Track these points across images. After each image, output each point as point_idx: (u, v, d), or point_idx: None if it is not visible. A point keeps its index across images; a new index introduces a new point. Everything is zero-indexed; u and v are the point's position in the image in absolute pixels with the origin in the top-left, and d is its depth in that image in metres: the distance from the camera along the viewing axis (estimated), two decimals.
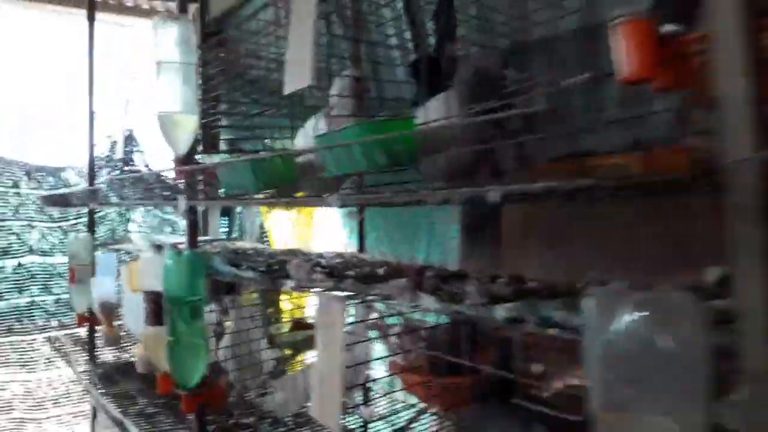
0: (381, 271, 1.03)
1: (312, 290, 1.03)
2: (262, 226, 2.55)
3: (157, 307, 1.38)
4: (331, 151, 0.81)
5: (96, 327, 2.32)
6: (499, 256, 1.44)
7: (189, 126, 1.33)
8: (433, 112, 0.82)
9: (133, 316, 1.75)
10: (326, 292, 0.96)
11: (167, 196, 1.70)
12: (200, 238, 2.32)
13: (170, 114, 1.32)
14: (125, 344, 2.14)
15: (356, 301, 0.95)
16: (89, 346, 2.39)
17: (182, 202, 1.12)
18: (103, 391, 2.10)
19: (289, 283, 1.03)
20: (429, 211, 1.75)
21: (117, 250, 2.16)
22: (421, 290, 0.77)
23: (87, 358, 2.37)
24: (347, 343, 0.94)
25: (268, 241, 2.52)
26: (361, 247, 1.72)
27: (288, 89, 0.93)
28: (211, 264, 1.29)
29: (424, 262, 1.74)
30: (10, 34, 2.58)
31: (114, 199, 2.19)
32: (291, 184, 1.03)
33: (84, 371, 2.29)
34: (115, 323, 2.05)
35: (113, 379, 2.17)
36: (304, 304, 2.19)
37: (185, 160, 1.34)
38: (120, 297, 2.06)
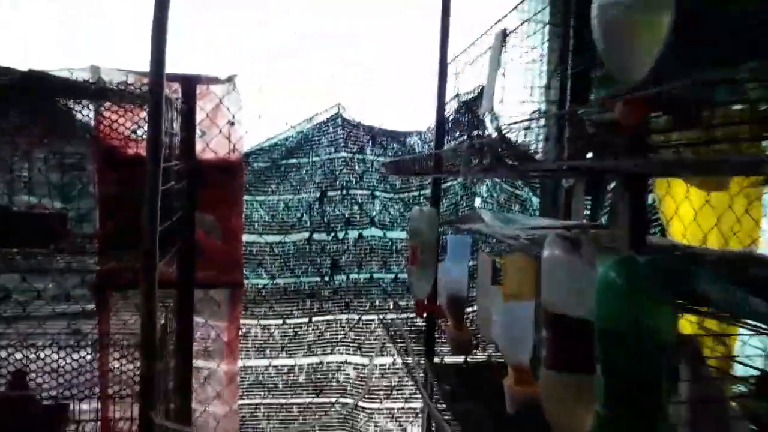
0: None
1: None
2: (652, 208, 1.85)
3: (566, 342, 0.83)
4: None
5: (437, 319, 1.95)
6: None
7: (656, 28, 0.73)
8: None
9: (498, 326, 1.25)
10: None
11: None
12: (561, 222, 1.73)
13: (626, 5, 0.73)
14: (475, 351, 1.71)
15: None
16: (426, 340, 2.04)
17: None
18: (442, 406, 1.70)
19: None
20: None
21: (470, 231, 1.72)
22: None
23: (423, 351, 2.02)
24: None
25: (662, 229, 1.82)
26: None
27: None
28: (694, 283, 0.68)
29: None
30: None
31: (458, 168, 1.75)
32: None
33: (418, 366, 1.94)
34: (466, 323, 1.62)
35: (454, 391, 1.76)
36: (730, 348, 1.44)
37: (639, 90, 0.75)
38: (472, 292, 1.62)
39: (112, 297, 2.13)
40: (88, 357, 2.08)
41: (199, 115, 2.11)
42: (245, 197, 2.27)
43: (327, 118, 2.33)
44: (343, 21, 2.70)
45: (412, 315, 2.33)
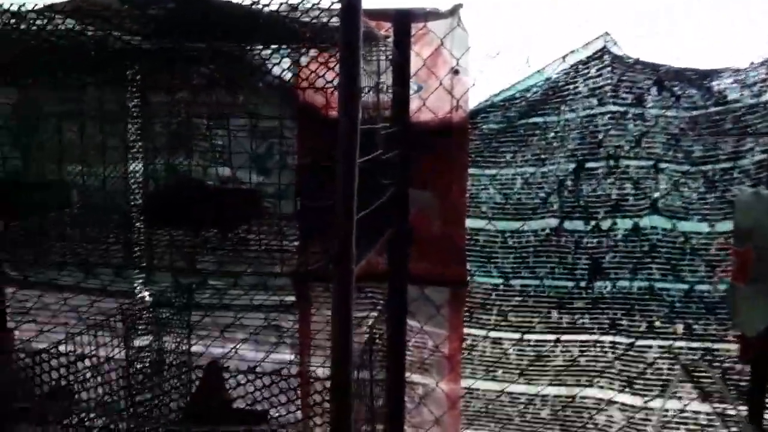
0: None
1: None
2: None
3: None
4: None
5: None
6: None
7: None
8: None
9: None
10: None
11: None
12: None
13: None
14: None
15: None
16: (751, 392, 1.31)
17: None
18: None
19: None
20: None
21: None
22: None
23: (746, 411, 1.30)
24: None
25: None
26: None
27: None
28: None
29: None
30: None
31: None
32: None
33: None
34: None
35: None
36: None
37: None
38: None
39: (313, 290, 1.79)
40: (288, 357, 1.79)
41: (415, 64, 1.62)
42: (470, 170, 1.75)
43: (587, 57, 1.67)
44: None
45: (715, 346, 1.59)
